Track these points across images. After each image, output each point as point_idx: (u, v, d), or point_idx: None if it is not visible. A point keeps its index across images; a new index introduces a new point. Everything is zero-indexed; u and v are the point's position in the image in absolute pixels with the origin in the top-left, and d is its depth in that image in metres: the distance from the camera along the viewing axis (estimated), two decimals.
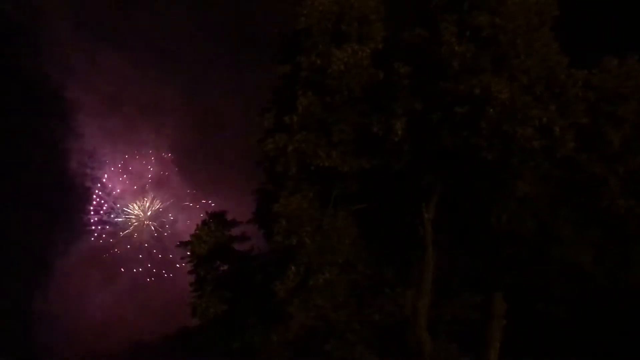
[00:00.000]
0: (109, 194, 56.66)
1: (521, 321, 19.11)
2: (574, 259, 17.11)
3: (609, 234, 17.15)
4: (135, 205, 56.53)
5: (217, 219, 19.84)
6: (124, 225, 56.35)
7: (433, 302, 18.34)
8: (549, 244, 17.16)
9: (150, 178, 57.34)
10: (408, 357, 18.60)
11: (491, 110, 15.24)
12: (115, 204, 56.56)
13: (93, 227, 55.50)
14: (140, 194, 57.12)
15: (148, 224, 56.35)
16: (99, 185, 56.43)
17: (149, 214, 56.39)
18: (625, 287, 17.62)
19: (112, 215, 56.28)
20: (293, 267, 16.67)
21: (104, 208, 56.31)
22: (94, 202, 56.02)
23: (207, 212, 20.22)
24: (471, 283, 18.98)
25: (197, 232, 19.46)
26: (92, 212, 55.83)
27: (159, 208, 56.13)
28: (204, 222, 19.66)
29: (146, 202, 56.51)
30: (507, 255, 17.81)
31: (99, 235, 55.73)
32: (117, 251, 55.54)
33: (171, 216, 55.81)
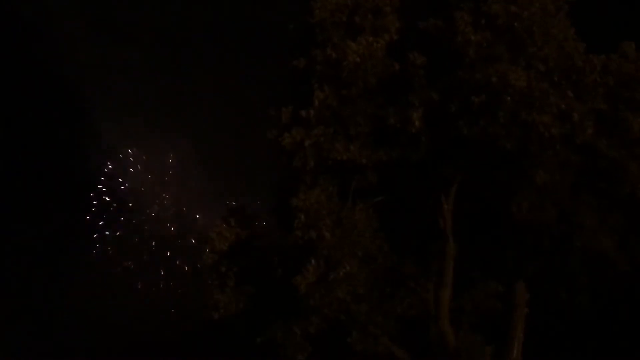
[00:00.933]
0: (128, 192, 57.07)
1: (544, 311, 19.04)
2: (596, 246, 17.00)
3: (631, 220, 17.04)
4: (155, 204, 56.92)
5: (236, 214, 19.89)
6: (145, 223, 56.77)
7: (455, 293, 18.30)
8: (571, 232, 17.06)
9: (171, 175, 57.71)
10: (431, 348, 18.59)
11: (508, 98, 15.16)
12: (135, 201, 56.98)
13: (113, 225, 55.96)
14: (161, 191, 57.50)
15: (168, 222, 56.73)
16: (118, 183, 56.86)
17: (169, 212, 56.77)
18: None
19: (132, 214, 56.69)
20: (313, 261, 16.71)
21: (125, 206, 56.73)
22: (113, 201, 56.45)
23: (227, 208, 20.29)
24: (493, 273, 18.90)
25: (217, 227, 19.51)
26: (111, 210, 56.27)
27: (182, 207, 56.42)
28: (223, 218, 19.71)
29: (165, 201, 56.87)
30: (529, 244, 17.74)
31: (120, 233, 56.17)
32: (138, 248, 55.99)
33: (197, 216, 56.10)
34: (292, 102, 17.92)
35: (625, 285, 18.43)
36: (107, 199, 56.11)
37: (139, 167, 57.58)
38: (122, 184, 56.88)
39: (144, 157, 57.42)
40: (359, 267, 17.02)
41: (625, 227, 17.05)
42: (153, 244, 56.08)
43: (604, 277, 17.81)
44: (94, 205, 55.52)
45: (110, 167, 56.54)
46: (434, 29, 16.62)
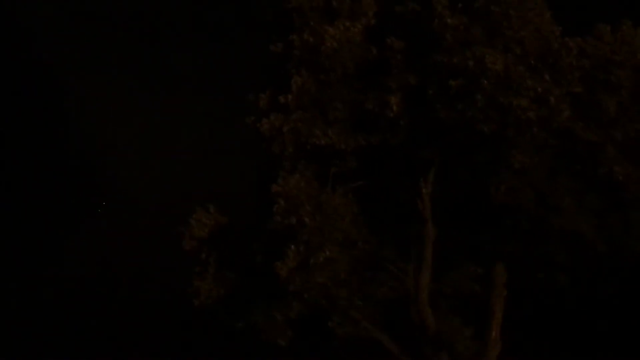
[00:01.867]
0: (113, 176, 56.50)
1: (523, 292, 19.21)
2: (574, 227, 17.14)
3: (608, 201, 17.18)
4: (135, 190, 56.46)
5: (215, 200, 19.84)
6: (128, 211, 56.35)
7: (434, 276, 18.42)
8: (549, 213, 17.19)
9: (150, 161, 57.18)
10: (411, 331, 18.72)
11: (486, 82, 15.18)
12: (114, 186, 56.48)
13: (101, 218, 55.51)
14: (142, 176, 56.99)
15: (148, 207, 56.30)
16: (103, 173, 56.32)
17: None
18: (624, 252, 17.70)
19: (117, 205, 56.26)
20: (293, 247, 16.71)
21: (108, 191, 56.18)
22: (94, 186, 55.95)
23: (205, 194, 20.22)
24: (472, 255, 19.06)
25: (196, 214, 19.46)
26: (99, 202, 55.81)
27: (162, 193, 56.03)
28: (202, 205, 19.66)
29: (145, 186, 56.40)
30: (507, 226, 17.87)
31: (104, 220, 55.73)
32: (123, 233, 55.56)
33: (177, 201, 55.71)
34: (270, 88, 17.88)
35: (603, 266, 18.63)
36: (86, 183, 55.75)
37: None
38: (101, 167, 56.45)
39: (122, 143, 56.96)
40: (339, 252, 17.05)
41: (603, 208, 17.20)
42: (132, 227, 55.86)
43: (582, 258, 17.98)
44: (76, 193, 55.14)
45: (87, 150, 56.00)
46: (411, 13, 16.59)
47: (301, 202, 16.76)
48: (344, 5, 17.06)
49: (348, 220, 17.32)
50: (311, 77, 16.90)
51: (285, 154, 17.19)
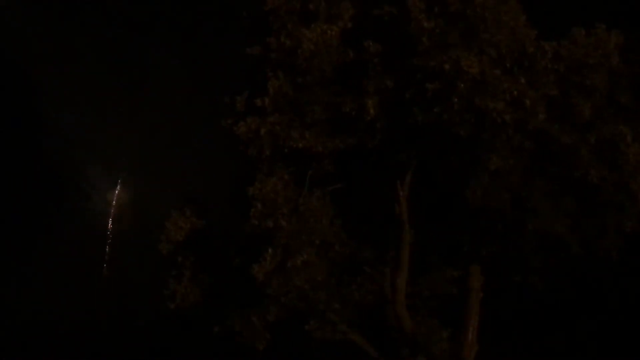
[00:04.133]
0: (86, 179, 56.01)
1: (499, 294, 19.31)
2: (549, 229, 17.24)
3: (583, 203, 17.30)
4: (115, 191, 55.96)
5: (192, 204, 19.74)
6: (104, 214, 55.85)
7: (411, 279, 18.46)
8: (525, 216, 17.28)
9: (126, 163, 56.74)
10: (388, 333, 18.73)
11: (462, 85, 15.21)
12: (93, 188, 55.96)
13: (74, 218, 54.92)
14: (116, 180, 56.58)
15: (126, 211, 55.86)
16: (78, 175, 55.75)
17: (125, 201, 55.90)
18: (599, 255, 17.84)
19: (90, 204, 55.72)
20: (270, 250, 16.68)
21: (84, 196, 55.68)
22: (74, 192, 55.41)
23: (182, 198, 20.11)
24: (449, 258, 19.11)
25: (172, 218, 19.34)
26: (71, 203, 55.23)
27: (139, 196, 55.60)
28: (179, 208, 19.55)
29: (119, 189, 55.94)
30: (483, 228, 17.95)
31: (82, 225, 55.16)
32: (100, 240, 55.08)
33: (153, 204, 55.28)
34: (247, 90, 17.82)
35: (578, 268, 18.78)
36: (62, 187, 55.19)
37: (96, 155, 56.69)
38: (78, 172, 55.90)
39: (98, 145, 56.46)
40: (316, 255, 17.07)
41: (578, 211, 17.32)
42: (109, 232, 55.36)
43: (558, 260, 18.11)
44: (50, 194, 54.51)
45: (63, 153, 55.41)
46: (388, 16, 16.60)
47: (278, 205, 16.73)
48: (321, 8, 17.04)
49: (325, 223, 17.33)
50: (288, 80, 16.87)
51: (262, 156, 17.15)
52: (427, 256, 19.07)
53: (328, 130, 16.96)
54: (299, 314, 18.46)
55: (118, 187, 55.93)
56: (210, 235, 19.60)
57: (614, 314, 23.06)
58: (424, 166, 17.58)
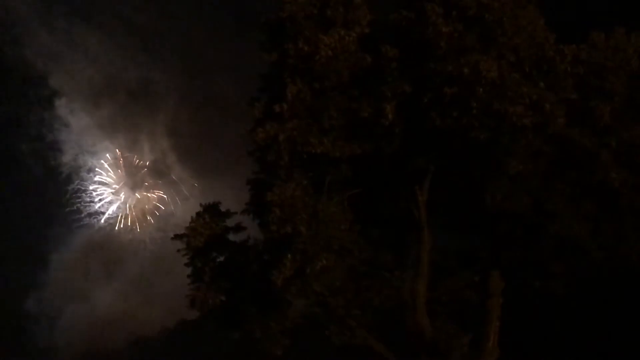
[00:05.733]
0: (103, 185, 56.20)
1: (519, 299, 19.19)
2: (569, 234, 17.16)
3: (603, 207, 17.21)
4: (137, 195, 56.10)
5: (211, 210, 19.76)
6: (121, 218, 56.01)
7: (431, 284, 18.39)
8: (544, 220, 17.21)
9: (146, 167, 56.96)
10: (408, 339, 18.66)
11: (480, 89, 15.20)
12: (112, 194, 56.10)
13: (89, 221, 55.11)
14: (139, 184, 56.76)
15: (146, 216, 56.02)
16: (92, 176, 55.90)
17: (147, 206, 56.09)
18: (619, 259, 17.71)
19: (108, 208, 55.86)
20: (289, 255, 16.62)
21: (100, 200, 55.84)
22: (89, 194, 55.58)
23: (201, 204, 20.14)
24: (468, 263, 19.05)
25: (192, 224, 19.37)
26: (87, 205, 55.41)
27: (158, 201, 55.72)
28: (198, 214, 19.58)
29: (144, 193, 56.14)
30: (503, 232, 17.88)
31: (96, 230, 55.32)
32: (115, 245, 55.23)
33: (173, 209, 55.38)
34: (264, 97, 17.84)
35: (599, 272, 18.64)
36: (84, 193, 55.33)
37: (113, 158, 56.80)
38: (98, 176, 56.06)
39: (117, 151, 56.70)
40: (335, 261, 16.99)
41: (598, 214, 17.22)
42: (130, 237, 55.54)
43: (578, 264, 17.98)
44: (67, 201, 54.74)
45: (81, 158, 55.63)
46: (405, 21, 16.59)
47: (297, 211, 16.69)
48: (338, 14, 17.02)
49: (344, 229, 17.26)
50: (306, 86, 16.86)
51: (281, 162, 17.12)
52: (446, 261, 19.03)
53: (346, 136, 16.94)
54: (318, 320, 18.43)
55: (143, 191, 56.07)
56: (229, 241, 19.62)
57: (635, 319, 22.86)
58: (442, 171, 17.52)
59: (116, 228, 55.49)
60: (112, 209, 55.53)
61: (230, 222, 19.89)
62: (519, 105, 15.28)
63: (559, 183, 17.02)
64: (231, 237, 19.81)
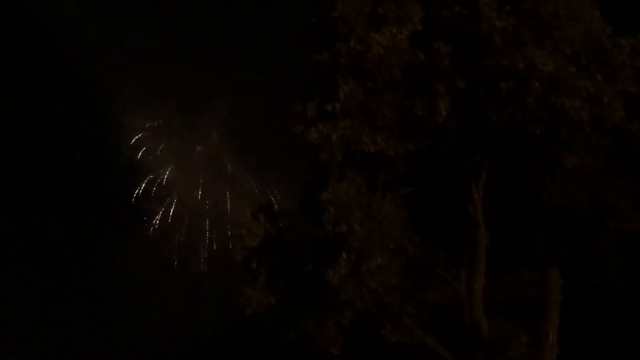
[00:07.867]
0: (160, 183, 56.90)
1: (579, 296, 18.91)
2: (629, 228, 16.88)
3: None
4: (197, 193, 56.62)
5: (265, 210, 19.91)
6: (178, 215, 56.58)
7: (487, 282, 18.22)
8: (603, 215, 16.94)
9: (203, 165, 57.50)
10: (465, 338, 18.53)
11: (536, 83, 15.03)
12: (169, 193, 56.73)
13: (147, 218, 55.79)
14: (195, 182, 57.32)
15: (204, 213, 56.50)
16: (150, 175, 56.63)
17: (207, 203, 56.52)
18: None
19: (166, 205, 56.41)
20: (344, 254, 16.65)
21: (158, 198, 56.45)
22: (147, 193, 56.26)
23: (256, 205, 20.36)
24: (525, 260, 18.81)
25: (247, 225, 19.55)
26: (146, 203, 56.11)
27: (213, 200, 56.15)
28: (253, 214, 19.76)
29: (200, 191, 56.66)
30: (561, 229, 17.62)
31: (155, 227, 56.00)
32: (173, 242, 55.83)
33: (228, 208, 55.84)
34: (317, 96, 17.88)
35: None
36: (141, 192, 56.05)
37: (170, 156, 57.46)
38: (156, 177, 56.76)
39: (174, 150, 57.38)
40: (390, 259, 16.97)
41: None
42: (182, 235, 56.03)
43: (638, 259, 17.65)
44: (131, 199, 55.49)
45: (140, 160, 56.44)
46: (457, 16, 16.50)
47: (351, 210, 16.70)
48: (390, 11, 17.01)
49: (399, 227, 17.22)
50: (358, 85, 16.86)
51: (334, 161, 17.14)
52: (503, 258, 18.79)
53: (399, 134, 16.89)
54: (373, 318, 18.41)
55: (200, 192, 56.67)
56: (284, 241, 19.74)
57: None
58: (498, 167, 17.35)
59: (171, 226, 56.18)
60: (169, 208, 56.23)
61: (284, 222, 20.04)
62: (576, 98, 15.06)
63: (618, 177, 16.73)
64: (285, 237, 19.95)
